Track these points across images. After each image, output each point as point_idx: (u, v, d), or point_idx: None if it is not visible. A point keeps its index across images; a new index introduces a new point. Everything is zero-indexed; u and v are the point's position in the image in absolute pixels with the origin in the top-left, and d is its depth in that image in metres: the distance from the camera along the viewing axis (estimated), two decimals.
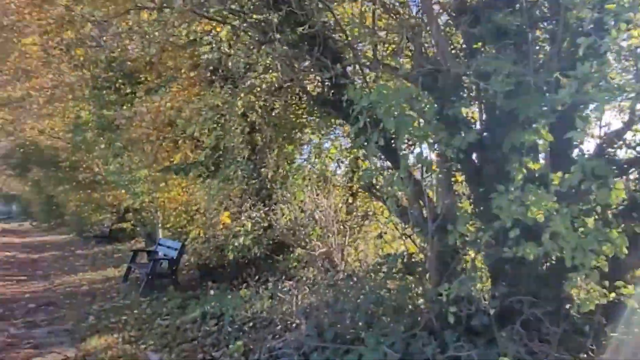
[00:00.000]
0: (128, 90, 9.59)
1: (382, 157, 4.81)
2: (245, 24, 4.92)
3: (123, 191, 15.46)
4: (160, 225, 12.33)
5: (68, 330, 6.91)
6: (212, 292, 7.97)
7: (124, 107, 8.65)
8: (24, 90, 15.20)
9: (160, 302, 8.27)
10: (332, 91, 4.89)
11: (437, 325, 4.24)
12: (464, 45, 4.62)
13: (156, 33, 5.96)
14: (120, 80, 9.69)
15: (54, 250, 18.12)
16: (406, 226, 4.83)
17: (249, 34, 5.17)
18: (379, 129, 3.88)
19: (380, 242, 5.54)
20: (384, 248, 6.26)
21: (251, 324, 6.09)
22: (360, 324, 4.60)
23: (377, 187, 5.04)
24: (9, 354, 5.80)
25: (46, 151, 20.30)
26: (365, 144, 4.20)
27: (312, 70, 4.88)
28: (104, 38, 9.76)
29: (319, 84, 5.12)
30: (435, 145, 4.12)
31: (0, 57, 13.15)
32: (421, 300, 4.73)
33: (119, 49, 9.84)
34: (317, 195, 6.49)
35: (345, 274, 5.85)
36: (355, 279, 5.34)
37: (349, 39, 4.71)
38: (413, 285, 4.78)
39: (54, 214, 29.59)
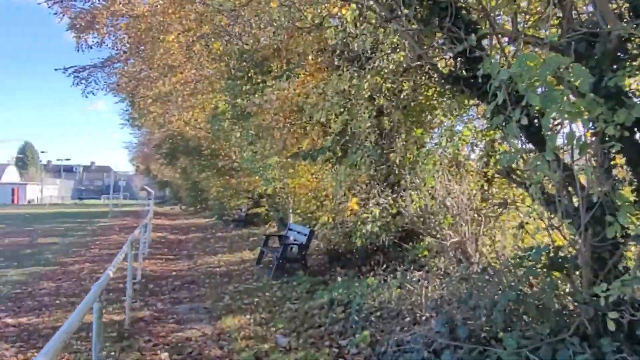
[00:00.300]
0: (259, 80, 9.88)
1: (524, 138, 4.27)
2: (370, 1, 4.66)
3: (257, 177, 16.24)
4: (291, 210, 12.66)
5: (207, 308, 7.31)
6: (339, 278, 7.94)
7: (255, 96, 8.89)
8: (171, 85, 16.54)
9: (290, 286, 8.45)
10: (466, 67, 4.44)
11: (592, 331, 3.67)
12: (627, 4, 3.90)
13: (283, 18, 5.96)
14: (251, 70, 10.02)
15: (198, 232, 19.63)
16: (552, 216, 4.25)
17: (375, 11, 4.90)
18: (521, 105, 3.41)
19: (521, 233, 4.99)
20: (525, 240, 5.67)
21: (378, 313, 5.91)
22: (497, 323, 4.16)
23: (518, 172, 4.50)
24: (155, 327, 6.28)
25: (191, 141, 22.03)
26: (504, 124, 3.74)
27: (443, 45, 4.48)
28: (236, 29, 10.17)
29: (451, 60, 4.69)
30: (591, 123, 3.53)
31: (149, 55, 14.41)
32: (570, 301, 4.15)
33: (250, 39, 10.17)
34: (449, 181, 6.06)
35: (480, 266, 5.38)
36: (491, 272, 4.87)
37: (486, 7, 4.23)
38: (560, 283, 4.21)
39: (199, 199, 32.18)
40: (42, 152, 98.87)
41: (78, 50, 15.93)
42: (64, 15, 15.14)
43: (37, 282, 9.22)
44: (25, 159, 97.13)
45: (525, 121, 3.50)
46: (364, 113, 6.90)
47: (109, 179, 51.57)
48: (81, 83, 17.48)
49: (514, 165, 4.64)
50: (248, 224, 20.01)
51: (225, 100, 11.69)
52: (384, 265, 7.34)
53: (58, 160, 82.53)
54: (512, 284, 4.30)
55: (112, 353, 5.25)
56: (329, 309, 6.70)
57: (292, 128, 8.97)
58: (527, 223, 4.81)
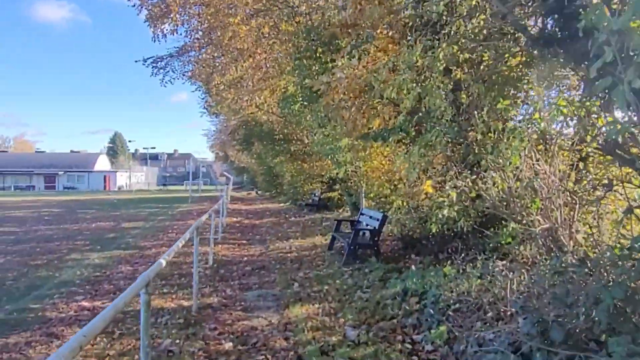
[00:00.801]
0: (328, 58, 9.48)
1: (634, 107, 3.57)
2: None
3: (328, 161, 15.93)
4: (363, 194, 12.23)
5: (275, 295, 7.10)
6: (414, 267, 7.44)
7: (324, 75, 8.51)
8: (242, 70, 16.57)
9: (361, 273, 8.07)
10: (560, 25, 3.79)
11: None
12: None
13: None
14: (320, 49, 9.64)
15: (272, 216, 19.72)
16: None
17: None
18: (635, 63, 2.76)
19: (630, 219, 4.25)
20: (627, 226, 4.89)
21: (456, 306, 5.37)
22: (600, 324, 3.54)
23: (625, 147, 3.80)
24: (222, 314, 6.13)
25: (264, 126, 22.10)
26: (609, 90, 3.09)
27: (532, 1, 3.84)
28: (303, 8, 9.81)
29: (541, 18, 4.03)
30: None
31: (220, 40, 14.43)
32: None
33: (318, 17, 9.77)
34: (537, 160, 5.36)
35: (575, 257, 4.69)
36: (590, 264, 4.20)
37: None
38: None
39: (274, 184, 32.52)
40: (129, 141, 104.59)
41: (154, 40, 16.34)
42: (142, 7, 15.56)
43: (115, 266, 9.48)
44: (115, 148, 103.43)
45: (639, 84, 2.85)
46: (439, 88, 6.30)
47: (190, 166, 53.68)
48: (159, 73, 18.03)
49: (619, 139, 3.94)
50: (321, 209, 19.83)
51: (295, 82, 11.39)
52: (463, 254, 6.76)
53: (144, 148, 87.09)
54: (619, 279, 3.64)
55: (177, 341, 5.13)
56: (402, 299, 6.25)
57: (361, 107, 8.49)
58: (638, 207, 4.07)
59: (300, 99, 11.58)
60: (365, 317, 5.76)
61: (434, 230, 7.08)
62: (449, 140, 6.18)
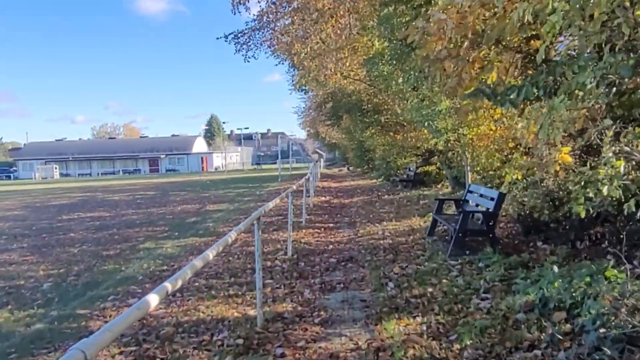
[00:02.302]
0: (422, 0, 7.62)
1: None
2: None
3: (424, 130, 14.00)
4: (468, 167, 10.26)
5: (364, 300, 5.56)
6: (550, 264, 5.55)
7: (418, 20, 6.69)
8: (325, 35, 15.02)
9: (474, 269, 6.30)
10: None
11: None
12: None
13: None
14: None
15: (363, 194, 18.17)
16: None
17: None
18: None
19: None
20: None
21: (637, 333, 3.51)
22: None
23: None
24: (294, 331, 4.70)
25: (352, 96, 20.46)
26: None
27: None
28: None
29: None
30: None
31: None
32: None
33: None
34: None
35: None
36: None
37: None
38: None
39: (365, 159, 30.93)
40: (224, 122, 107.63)
41: (234, 13, 15.37)
42: None
43: (187, 257, 8.44)
44: (212, 130, 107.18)
45: None
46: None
47: (280, 144, 53.53)
48: (242, 48, 17.06)
49: None
50: (417, 185, 17.94)
51: (382, 36, 9.59)
52: (621, 246, 4.78)
53: (238, 129, 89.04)
54: None
55: None
56: (541, 313, 4.45)
57: (469, 57, 6.58)
58: None
59: (389, 56, 9.80)
60: (491, 343, 4.04)
61: (581, 214, 5.12)
62: (615, 81, 4.20)
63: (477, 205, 7.93)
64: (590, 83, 4.14)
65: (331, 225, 11.29)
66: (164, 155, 77.54)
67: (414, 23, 7.01)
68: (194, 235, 10.85)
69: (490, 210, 7.11)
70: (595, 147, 5.25)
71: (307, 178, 14.53)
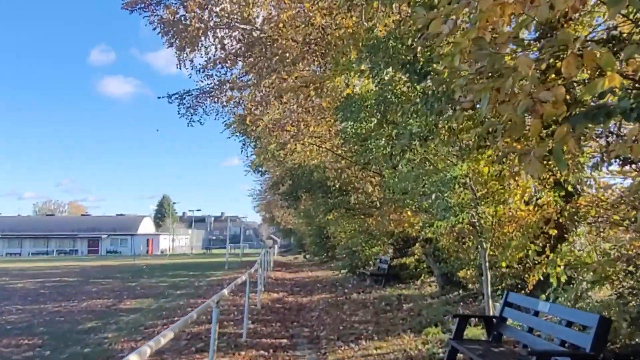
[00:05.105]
0: None
1: None
2: None
3: (409, 212, 10.96)
4: (487, 262, 7.03)
5: None
6: None
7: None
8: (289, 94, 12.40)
9: None
10: None
11: None
12: None
13: None
14: None
15: (326, 291, 14.63)
16: None
17: None
18: None
19: None
20: None
21: None
22: None
23: None
24: None
25: (315, 174, 17.38)
26: None
27: None
28: None
29: None
30: None
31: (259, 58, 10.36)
32: None
33: None
34: None
35: None
36: None
37: None
38: None
39: (325, 247, 27.60)
40: (174, 203, 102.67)
41: (179, 68, 12.70)
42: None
43: None
44: (162, 211, 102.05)
45: None
46: None
47: (235, 229, 49.72)
48: (187, 111, 14.22)
49: None
50: (390, 280, 14.62)
51: (373, 65, 6.66)
52: None
53: (190, 211, 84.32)
54: None
55: None
56: None
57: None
58: None
59: (377, 97, 6.89)
60: None
61: None
62: None
63: (553, 337, 4.69)
64: None
65: (284, 342, 7.70)
66: (106, 236, 71.54)
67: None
68: (73, 356, 7.06)
69: (583, 350, 3.84)
70: None
71: (255, 269, 11.08)
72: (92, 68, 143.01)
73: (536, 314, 4.88)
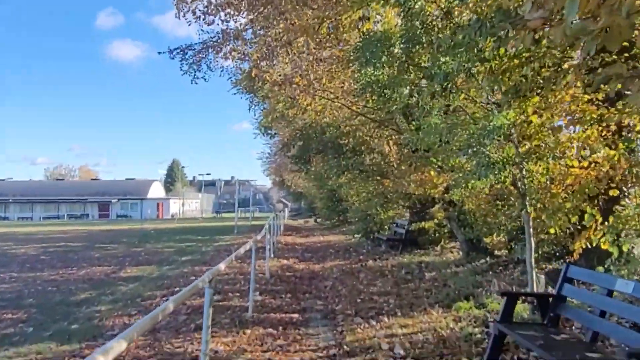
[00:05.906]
0: None
1: None
2: None
3: (432, 172, 9.92)
4: (530, 228, 5.98)
5: None
6: None
7: None
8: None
9: None
10: None
11: None
12: None
13: None
14: None
15: (339, 258, 13.74)
16: None
17: None
18: None
19: None
20: None
21: None
22: None
23: None
24: None
25: (327, 133, 16.27)
26: None
27: None
28: None
29: None
30: None
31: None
32: None
33: None
34: None
35: None
36: None
37: None
38: None
39: (337, 210, 26.77)
40: (183, 167, 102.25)
41: (178, 17, 11.46)
42: None
43: None
44: (173, 175, 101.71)
45: None
46: None
47: (245, 193, 48.97)
48: (190, 68, 13.01)
49: None
50: (408, 246, 13.69)
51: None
52: None
53: (200, 175, 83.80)
54: None
55: None
56: None
57: None
58: None
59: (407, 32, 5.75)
60: None
61: None
62: None
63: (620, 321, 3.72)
64: None
65: (295, 317, 6.83)
66: (116, 200, 71.35)
67: None
68: (58, 334, 6.24)
69: None
70: None
71: (262, 235, 10.19)
72: (100, 32, 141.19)
73: (610, 293, 3.88)
